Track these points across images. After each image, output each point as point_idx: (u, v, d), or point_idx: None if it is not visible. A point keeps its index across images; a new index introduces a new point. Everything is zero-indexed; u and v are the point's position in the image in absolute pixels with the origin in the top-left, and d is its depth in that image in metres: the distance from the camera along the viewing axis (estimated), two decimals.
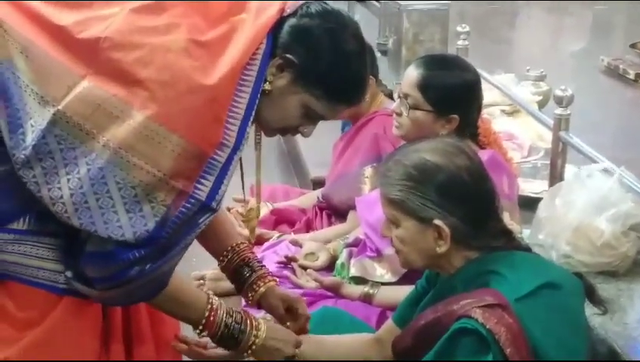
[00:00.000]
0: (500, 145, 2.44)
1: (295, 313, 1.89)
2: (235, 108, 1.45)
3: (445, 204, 1.64)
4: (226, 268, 1.89)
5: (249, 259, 1.88)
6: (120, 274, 1.44)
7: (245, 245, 1.90)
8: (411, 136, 2.29)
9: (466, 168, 1.66)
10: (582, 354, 1.64)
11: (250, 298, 1.88)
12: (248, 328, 1.70)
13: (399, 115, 2.31)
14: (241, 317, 1.70)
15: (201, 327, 1.66)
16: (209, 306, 1.66)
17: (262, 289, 1.86)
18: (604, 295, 1.84)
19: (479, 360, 1.52)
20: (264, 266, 1.91)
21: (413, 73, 2.30)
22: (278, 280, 1.96)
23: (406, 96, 2.29)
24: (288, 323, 1.88)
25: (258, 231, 2.95)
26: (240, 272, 1.87)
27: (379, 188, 1.74)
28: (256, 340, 1.71)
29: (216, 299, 1.69)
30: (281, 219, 3.11)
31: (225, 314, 1.67)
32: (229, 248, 1.87)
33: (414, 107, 2.27)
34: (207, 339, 1.73)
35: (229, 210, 2.80)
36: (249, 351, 1.73)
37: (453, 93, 2.26)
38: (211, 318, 1.65)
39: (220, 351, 1.77)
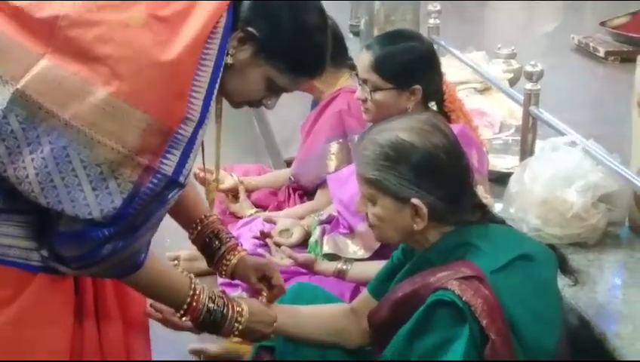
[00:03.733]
0: (466, 112, 2.45)
1: (269, 281, 1.90)
2: (198, 82, 1.44)
3: (422, 183, 1.64)
4: (196, 240, 1.89)
5: (218, 230, 1.88)
6: (92, 253, 1.44)
7: (214, 217, 1.89)
8: (381, 118, 2.29)
9: (443, 146, 1.66)
10: (556, 324, 1.66)
11: (223, 271, 1.88)
12: (230, 313, 1.70)
13: (364, 101, 2.32)
14: (224, 302, 1.70)
15: (182, 312, 1.66)
16: (191, 292, 1.65)
17: (234, 261, 1.86)
18: (574, 266, 1.86)
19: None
20: (233, 237, 1.91)
21: (365, 57, 2.30)
22: (248, 250, 1.96)
23: (365, 81, 2.30)
24: (264, 293, 1.89)
25: (237, 207, 2.99)
26: (209, 244, 1.87)
27: (355, 166, 1.74)
28: (239, 326, 1.72)
29: (199, 283, 1.69)
30: (255, 204, 3.12)
31: (207, 300, 1.67)
32: (199, 220, 1.87)
33: (375, 89, 2.27)
34: None
35: (195, 175, 2.81)
36: (231, 336, 1.74)
37: (408, 65, 2.27)
38: (194, 304, 1.65)
39: None
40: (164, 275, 1.64)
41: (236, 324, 1.71)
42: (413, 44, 2.31)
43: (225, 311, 1.69)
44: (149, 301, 1.76)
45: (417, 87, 2.26)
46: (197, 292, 1.66)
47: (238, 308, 1.72)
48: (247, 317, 1.73)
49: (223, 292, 1.78)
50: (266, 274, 1.89)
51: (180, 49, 1.41)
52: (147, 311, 1.77)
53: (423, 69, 2.29)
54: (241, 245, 1.93)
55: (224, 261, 1.87)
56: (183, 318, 1.69)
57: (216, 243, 1.87)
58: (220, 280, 2.49)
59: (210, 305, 1.67)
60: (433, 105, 2.38)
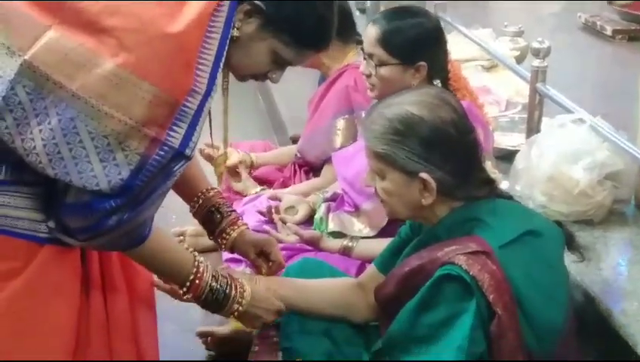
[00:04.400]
0: (471, 90, 2.44)
1: (267, 257, 1.91)
2: (204, 54, 1.44)
3: (431, 158, 1.63)
4: (197, 213, 1.91)
5: (219, 204, 1.90)
6: (99, 225, 1.44)
7: (216, 190, 1.91)
8: (386, 94, 2.27)
9: (452, 121, 1.65)
10: (563, 300, 1.66)
11: (223, 244, 1.90)
12: (233, 294, 1.71)
13: (369, 76, 2.31)
14: (227, 282, 1.71)
15: (185, 289, 1.68)
16: (194, 269, 1.66)
17: (233, 235, 1.88)
18: (580, 242, 1.85)
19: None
20: (234, 211, 1.93)
21: (372, 31, 2.28)
22: (253, 226, 1.97)
23: (370, 55, 2.28)
24: (263, 270, 1.91)
25: (241, 186, 2.99)
26: (210, 217, 1.89)
27: (363, 141, 1.73)
28: (240, 308, 1.73)
29: (203, 261, 1.69)
30: (260, 182, 3.12)
31: (211, 278, 1.68)
32: (200, 193, 1.89)
33: (380, 64, 2.26)
34: None
35: (200, 151, 2.81)
36: (231, 316, 1.75)
37: (415, 40, 2.25)
38: (197, 281, 1.66)
39: None
40: (169, 251, 1.65)
41: (236, 306, 1.72)
42: (421, 20, 2.29)
43: (228, 290, 1.70)
44: None
45: (423, 63, 2.24)
46: (200, 269, 1.67)
47: (240, 289, 1.73)
48: (249, 300, 1.73)
49: (231, 276, 1.79)
50: (265, 249, 1.91)
51: (186, 21, 1.41)
52: (155, 282, 1.78)
53: (429, 46, 2.28)
54: (242, 219, 1.94)
55: (224, 234, 1.89)
56: (186, 295, 1.69)
57: (217, 216, 1.88)
58: (225, 256, 2.50)
59: (214, 284, 1.68)
60: (438, 83, 2.37)
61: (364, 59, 2.33)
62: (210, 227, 1.90)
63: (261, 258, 1.91)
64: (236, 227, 1.89)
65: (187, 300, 1.77)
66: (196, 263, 1.67)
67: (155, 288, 1.80)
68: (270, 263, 1.92)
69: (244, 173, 3.06)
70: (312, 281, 1.94)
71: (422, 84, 2.25)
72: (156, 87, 1.40)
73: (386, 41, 2.25)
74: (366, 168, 2.22)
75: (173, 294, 1.79)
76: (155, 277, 1.79)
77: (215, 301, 1.70)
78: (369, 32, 2.30)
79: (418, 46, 2.25)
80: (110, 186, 1.40)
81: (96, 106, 1.38)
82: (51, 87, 1.38)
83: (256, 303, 1.75)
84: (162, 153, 1.42)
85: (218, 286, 1.69)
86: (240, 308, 1.73)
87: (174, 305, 1.87)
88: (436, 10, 3.98)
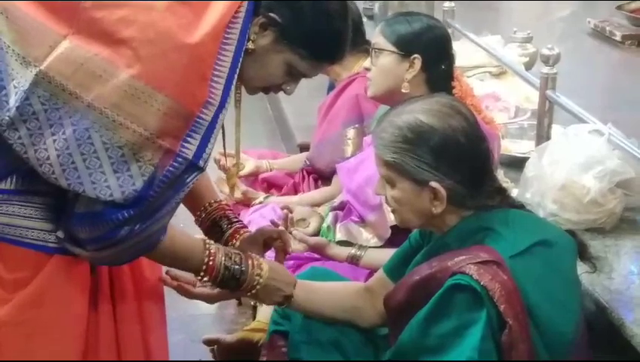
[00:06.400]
0: (479, 108, 2.40)
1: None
2: (219, 66, 1.44)
3: (441, 166, 1.63)
4: (203, 222, 1.89)
5: (221, 216, 1.88)
6: (110, 235, 1.44)
7: (219, 203, 1.90)
8: (381, 88, 2.28)
9: (462, 129, 1.64)
10: (575, 310, 1.65)
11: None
12: (250, 268, 1.70)
13: (368, 69, 2.32)
14: (241, 258, 1.71)
15: (202, 273, 1.67)
16: (207, 252, 1.66)
17: (237, 244, 1.85)
18: (593, 252, 1.84)
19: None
20: (239, 221, 1.91)
21: (378, 27, 2.33)
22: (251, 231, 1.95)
23: (373, 46, 2.31)
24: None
25: (244, 189, 2.98)
26: (219, 224, 1.87)
27: (374, 148, 1.73)
28: (260, 280, 1.72)
29: (213, 243, 1.69)
30: (270, 185, 3.12)
31: (224, 257, 1.67)
32: (207, 204, 1.88)
33: (379, 52, 2.27)
34: (194, 279, 1.74)
35: (216, 161, 2.80)
36: (252, 291, 1.74)
37: (412, 30, 2.25)
38: (210, 263, 1.66)
39: (208, 290, 1.78)
40: (178, 240, 1.63)
41: (257, 278, 1.71)
42: (425, 19, 2.31)
43: (244, 267, 1.70)
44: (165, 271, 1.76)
45: (417, 56, 2.22)
46: (212, 251, 1.67)
47: (257, 262, 1.73)
48: (268, 272, 1.73)
49: (244, 251, 1.76)
50: (273, 236, 1.88)
51: (202, 33, 1.42)
52: (163, 278, 1.77)
53: (427, 41, 2.25)
54: (247, 228, 1.92)
55: (231, 242, 1.85)
56: (204, 279, 1.68)
57: (225, 223, 1.87)
58: None
59: (228, 262, 1.67)
60: None
61: (370, 56, 2.34)
62: (215, 234, 1.88)
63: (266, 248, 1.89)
64: (239, 235, 1.86)
65: (194, 296, 1.76)
66: (207, 245, 1.67)
67: (164, 285, 1.79)
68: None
69: (242, 186, 3.01)
70: (321, 284, 1.93)
71: (419, 87, 2.22)
72: (171, 99, 1.40)
73: (385, 29, 2.28)
74: (369, 180, 2.22)
75: (181, 290, 1.77)
76: (164, 273, 1.77)
77: (233, 278, 1.69)
78: (378, 28, 2.33)
79: (414, 37, 2.24)
80: (124, 197, 1.41)
81: (111, 117, 1.38)
82: (66, 97, 1.38)
83: (275, 275, 1.75)
84: (176, 164, 1.43)
85: (232, 263, 1.68)
86: (260, 280, 1.72)
87: (182, 315, 1.87)
88: (444, 17, 3.98)
